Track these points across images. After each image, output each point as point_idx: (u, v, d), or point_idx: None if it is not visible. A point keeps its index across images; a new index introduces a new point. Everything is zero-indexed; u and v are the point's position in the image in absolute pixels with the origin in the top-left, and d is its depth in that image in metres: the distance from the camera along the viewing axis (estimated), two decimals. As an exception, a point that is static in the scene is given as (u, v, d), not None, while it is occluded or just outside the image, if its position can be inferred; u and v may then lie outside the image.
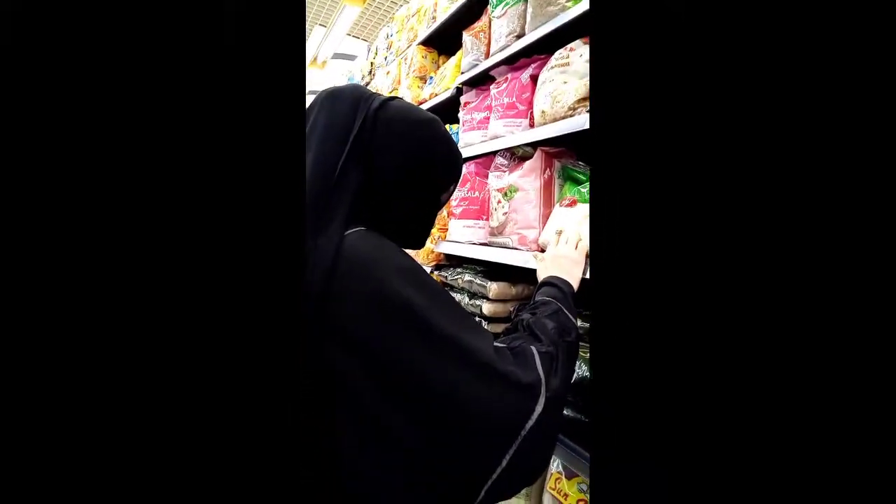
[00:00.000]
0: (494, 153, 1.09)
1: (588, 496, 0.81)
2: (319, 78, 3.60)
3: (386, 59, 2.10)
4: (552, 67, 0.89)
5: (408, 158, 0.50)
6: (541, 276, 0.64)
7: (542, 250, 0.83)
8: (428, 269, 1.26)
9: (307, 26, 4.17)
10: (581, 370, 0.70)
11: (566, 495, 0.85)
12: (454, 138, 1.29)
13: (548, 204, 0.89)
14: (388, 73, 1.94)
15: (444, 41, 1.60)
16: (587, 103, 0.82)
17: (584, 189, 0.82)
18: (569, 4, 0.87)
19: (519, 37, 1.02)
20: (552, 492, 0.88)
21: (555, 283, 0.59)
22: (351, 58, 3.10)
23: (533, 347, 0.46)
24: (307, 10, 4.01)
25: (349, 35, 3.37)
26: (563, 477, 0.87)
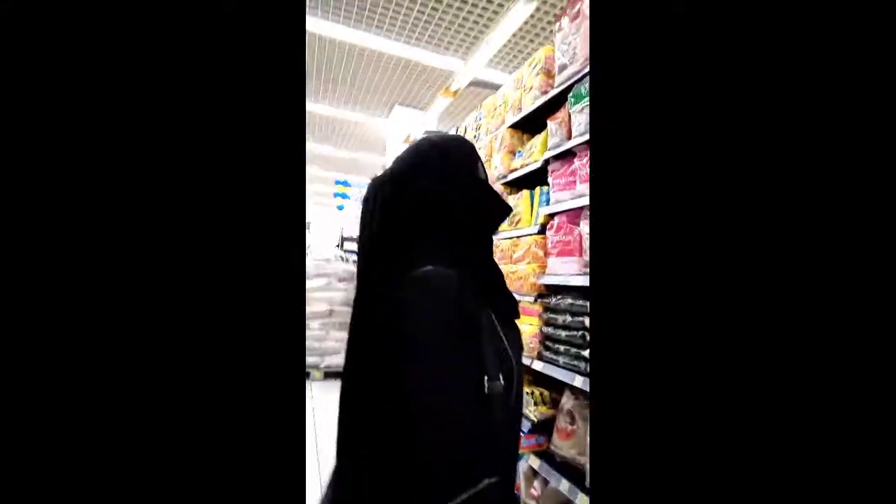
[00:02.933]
0: (581, 208, 1.47)
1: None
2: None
3: (476, 136, 2.63)
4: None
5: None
6: None
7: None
8: (531, 298, 1.64)
9: (406, 109, 5.05)
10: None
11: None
12: (546, 197, 1.71)
13: (628, 241, 1.25)
14: (480, 147, 2.45)
15: (527, 123, 2.07)
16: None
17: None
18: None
19: (594, 126, 1.44)
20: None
21: None
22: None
23: None
24: (406, 92, 4.87)
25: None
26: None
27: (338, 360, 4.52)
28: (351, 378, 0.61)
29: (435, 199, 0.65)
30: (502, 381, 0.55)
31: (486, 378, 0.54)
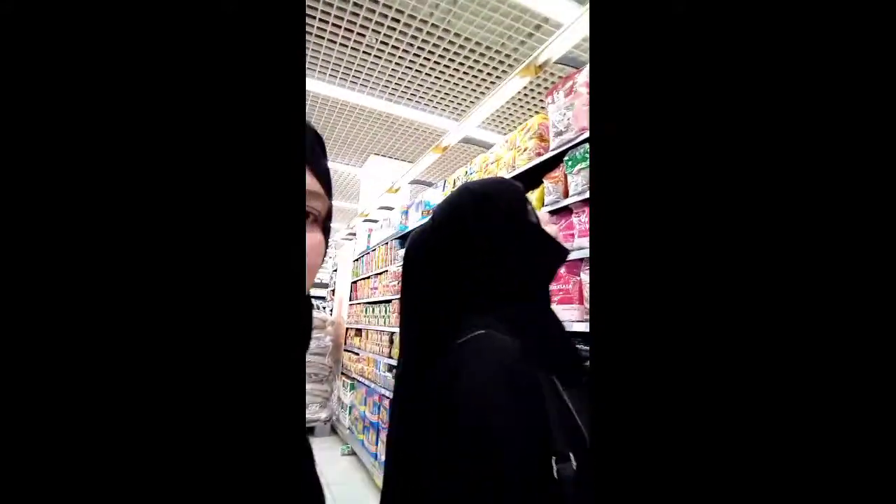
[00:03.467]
0: (580, 259, 1.61)
1: None
2: (392, 199, 4.46)
3: (466, 190, 2.81)
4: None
5: None
6: None
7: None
8: (534, 344, 1.71)
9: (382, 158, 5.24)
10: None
11: None
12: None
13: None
14: (471, 201, 2.61)
15: (522, 181, 2.25)
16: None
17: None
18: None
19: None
20: None
21: None
22: (428, 185, 3.92)
23: None
24: (392, 143, 5.06)
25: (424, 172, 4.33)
26: None
27: (309, 413, 4.27)
28: (401, 447, 0.57)
29: (485, 247, 0.59)
30: (574, 462, 0.45)
31: (553, 460, 0.46)
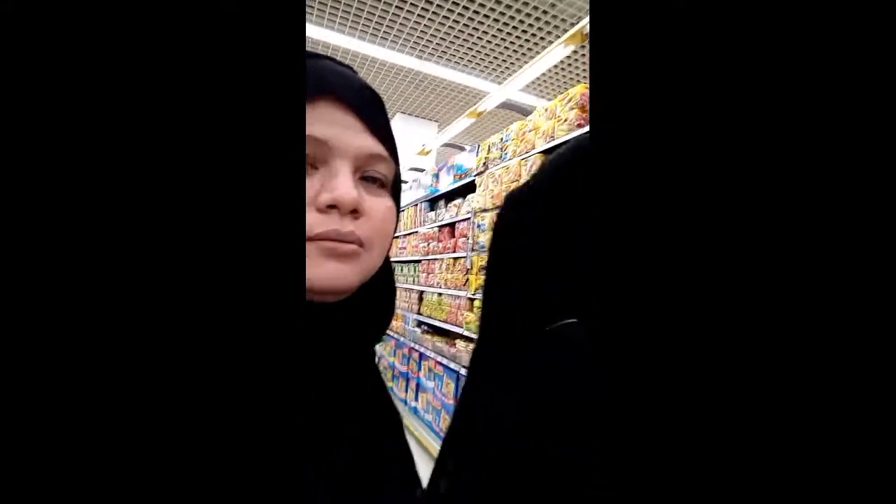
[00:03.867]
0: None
1: None
2: (423, 161, 4.51)
3: (502, 157, 2.84)
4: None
5: None
6: None
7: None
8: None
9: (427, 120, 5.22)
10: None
11: None
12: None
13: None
14: (507, 168, 2.66)
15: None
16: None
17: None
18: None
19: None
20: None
21: None
22: (460, 148, 3.95)
23: None
24: (433, 105, 5.03)
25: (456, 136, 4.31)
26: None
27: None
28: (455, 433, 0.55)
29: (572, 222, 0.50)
30: None
31: None
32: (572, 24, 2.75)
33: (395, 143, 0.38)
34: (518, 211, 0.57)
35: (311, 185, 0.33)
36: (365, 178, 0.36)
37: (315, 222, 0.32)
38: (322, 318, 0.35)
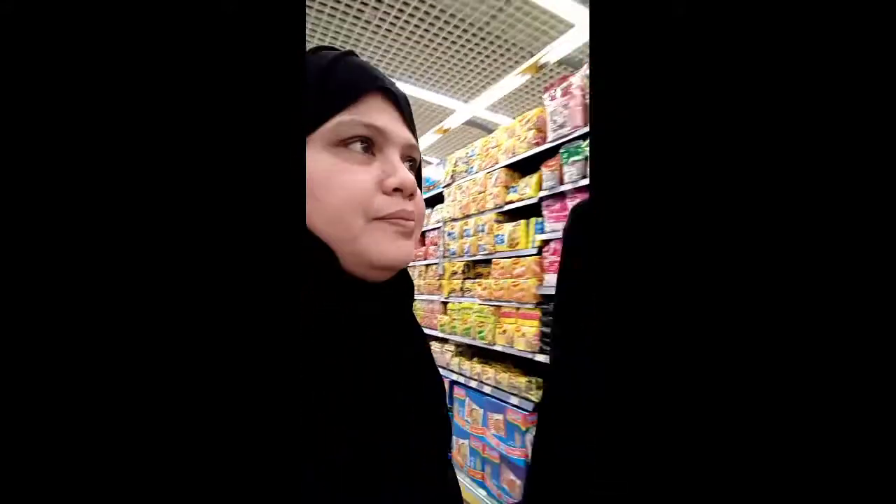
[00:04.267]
0: (573, 236, 1.96)
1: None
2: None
3: (467, 170, 3.08)
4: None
5: None
6: None
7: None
8: (532, 305, 2.08)
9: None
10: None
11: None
12: (540, 227, 2.18)
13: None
14: (474, 181, 2.90)
15: (519, 165, 2.56)
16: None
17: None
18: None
19: (584, 177, 1.94)
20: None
21: None
22: (428, 162, 4.16)
23: None
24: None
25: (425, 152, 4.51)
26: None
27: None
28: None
29: None
30: None
31: None
32: (530, 53, 3.07)
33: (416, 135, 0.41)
34: (577, 224, 0.60)
35: (373, 170, 0.35)
36: (407, 167, 0.40)
37: (384, 204, 0.35)
38: (385, 292, 0.38)
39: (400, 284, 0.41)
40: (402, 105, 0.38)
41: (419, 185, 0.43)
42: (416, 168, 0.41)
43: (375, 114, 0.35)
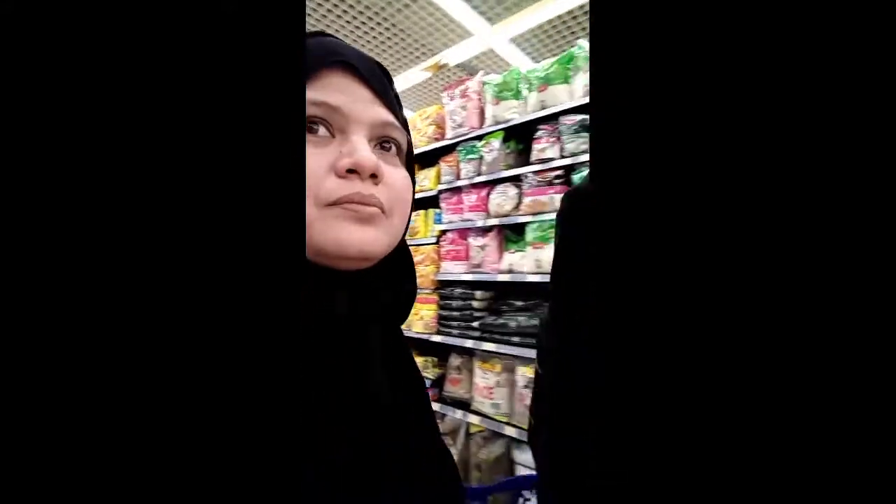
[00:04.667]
0: (468, 229, 2.16)
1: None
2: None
3: (368, 158, 3.11)
4: (496, 193, 2.02)
5: None
6: None
7: (500, 272, 1.90)
8: (430, 290, 2.24)
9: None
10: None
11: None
12: (438, 217, 2.34)
13: (500, 251, 1.99)
14: (375, 170, 2.95)
15: (419, 157, 2.69)
16: (517, 209, 1.95)
17: (516, 245, 1.93)
18: (502, 166, 2.03)
19: (478, 174, 2.15)
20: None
21: None
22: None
23: None
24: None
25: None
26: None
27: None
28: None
29: None
30: None
31: None
32: (432, 52, 3.20)
33: (403, 114, 0.38)
34: (576, 210, 0.58)
35: (330, 152, 0.32)
36: (382, 148, 0.36)
37: (335, 187, 0.32)
38: (355, 286, 0.35)
39: (386, 273, 0.38)
40: (372, 81, 0.35)
41: (411, 168, 0.40)
42: (401, 148, 0.38)
43: (332, 92, 0.33)
